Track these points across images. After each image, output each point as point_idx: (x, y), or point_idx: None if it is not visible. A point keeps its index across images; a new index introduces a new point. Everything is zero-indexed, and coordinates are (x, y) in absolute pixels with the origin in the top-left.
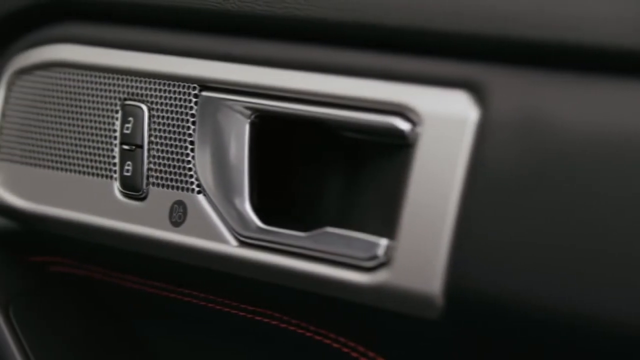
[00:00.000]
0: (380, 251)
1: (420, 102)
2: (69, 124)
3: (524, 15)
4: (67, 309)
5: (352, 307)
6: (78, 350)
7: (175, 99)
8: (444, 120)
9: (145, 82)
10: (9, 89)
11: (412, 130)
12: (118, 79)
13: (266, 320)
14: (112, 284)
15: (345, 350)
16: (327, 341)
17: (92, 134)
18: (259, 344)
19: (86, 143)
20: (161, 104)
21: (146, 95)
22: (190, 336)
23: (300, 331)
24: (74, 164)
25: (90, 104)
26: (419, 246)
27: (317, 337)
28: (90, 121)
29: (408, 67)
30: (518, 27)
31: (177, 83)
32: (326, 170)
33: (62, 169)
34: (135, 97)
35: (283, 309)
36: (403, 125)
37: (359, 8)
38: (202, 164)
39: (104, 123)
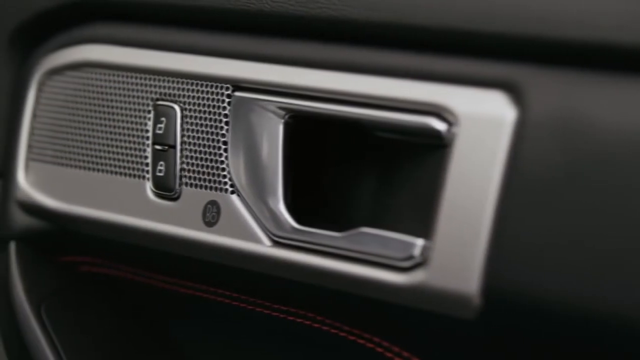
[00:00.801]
0: (417, 251)
1: (457, 103)
2: (101, 124)
3: (561, 15)
4: (98, 308)
5: (387, 307)
6: (109, 350)
7: (208, 99)
8: (480, 121)
9: (177, 82)
10: (39, 90)
11: (449, 130)
12: (150, 79)
13: (299, 320)
14: (143, 284)
15: (379, 350)
16: (361, 341)
17: (123, 134)
18: (292, 344)
19: (118, 143)
20: (194, 104)
21: (178, 96)
22: (221, 337)
23: (333, 331)
24: (106, 164)
25: (122, 104)
26: (455, 246)
27: (351, 337)
28: (122, 121)
29: (444, 68)
30: (555, 26)
31: (209, 83)
32: (358, 171)
33: (93, 169)
34: (168, 98)
35: (317, 308)
36: (439, 125)
37: (394, 8)
38: (235, 164)
39: (136, 123)
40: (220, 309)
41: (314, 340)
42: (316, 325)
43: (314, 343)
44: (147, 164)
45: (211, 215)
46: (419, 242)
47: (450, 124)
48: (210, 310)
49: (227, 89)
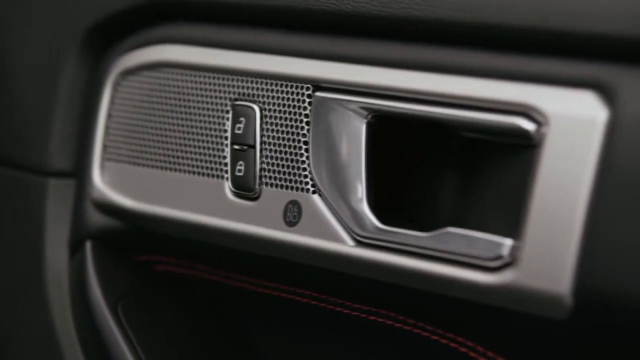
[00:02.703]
0: (505, 251)
1: (546, 103)
2: (177, 124)
3: None
4: (174, 307)
5: (473, 307)
6: (185, 349)
7: (288, 99)
8: (571, 121)
9: (256, 82)
10: (114, 90)
11: (538, 130)
12: (228, 79)
13: (380, 319)
14: (219, 283)
15: (463, 349)
16: (444, 341)
17: (201, 134)
18: (372, 344)
19: (195, 143)
20: (273, 104)
21: (257, 96)
22: (299, 336)
23: (416, 331)
24: (183, 164)
25: (199, 104)
26: (546, 246)
27: (434, 337)
28: (199, 121)
29: (532, 67)
30: None
31: (289, 83)
32: (441, 171)
33: (170, 169)
34: (246, 98)
35: (399, 308)
36: (528, 125)
37: (479, 8)
38: (316, 164)
39: (214, 123)
40: (298, 309)
41: (396, 340)
42: (398, 325)
43: (395, 343)
44: (225, 164)
45: (292, 215)
46: (508, 242)
47: (539, 124)
48: (288, 309)
49: (308, 89)
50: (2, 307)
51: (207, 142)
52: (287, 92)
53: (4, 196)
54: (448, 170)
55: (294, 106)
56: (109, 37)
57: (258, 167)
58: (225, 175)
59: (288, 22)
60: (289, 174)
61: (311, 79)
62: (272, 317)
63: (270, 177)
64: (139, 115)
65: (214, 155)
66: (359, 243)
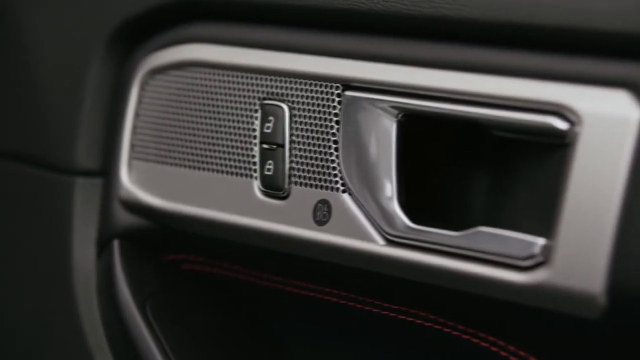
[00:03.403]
0: (538, 250)
1: (579, 102)
2: (205, 123)
3: None
4: (201, 306)
5: (505, 306)
6: (213, 348)
7: (317, 98)
8: (604, 120)
9: (285, 81)
10: (142, 89)
11: (571, 130)
12: (257, 78)
13: (410, 319)
14: (246, 282)
15: (494, 349)
16: (475, 340)
17: (229, 133)
18: (401, 344)
19: (224, 142)
20: (302, 103)
21: (286, 95)
22: (327, 336)
23: (446, 330)
24: (211, 163)
25: (228, 103)
26: (579, 245)
27: (465, 336)
28: (228, 120)
29: (565, 67)
30: None
31: (319, 82)
32: (472, 170)
33: (198, 168)
34: (275, 97)
35: (430, 307)
36: (561, 125)
37: (512, 7)
38: (346, 163)
39: (242, 122)
40: (326, 308)
41: (425, 339)
42: (428, 324)
43: (425, 342)
44: (254, 163)
45: (322, 214)
46: (540, 241)
47: (572, 123)
48: (316, 309)
49: (337, 88)
50: (30, 306)
51: (236, 141)
52: (317, 92)
53: (32, 195)
54: (479, 170)
55: (324, 105)
56: (136, 36)
57: (287, 166)
58: (254, 174)
59: (317, 21)
60: (319, 173)
61: (341, 78)
62: (299, 317)
63: (299, 176)
64: (166, 115)
65: (243, 154)
66: (390, 242)
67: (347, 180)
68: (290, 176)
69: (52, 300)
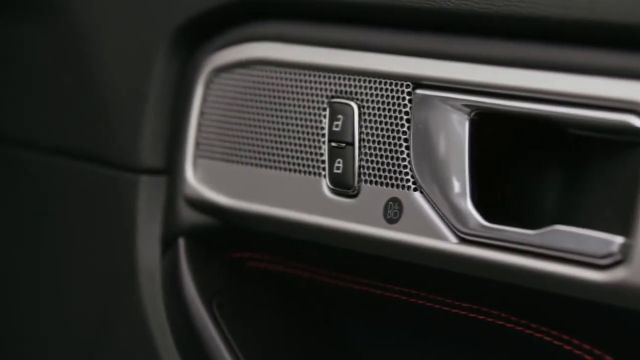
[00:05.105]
0: (616, 248)
1: None
2: (272, 122)
3: None
4: (268, 304)
5: (581, 305)
6: (280, 346)
7: (387, 96)
8: None
9: (354, 80)
10: (207, 87)
11: None
12: (325, 76)
13: (481, 317)
14: (312, 280)
15: (568, 347)
16: (548, 338)
17: (297, 132)
18: (473, 342)
19: (291, 140)
20: (372, 101)
21: (355, 93)
22: (396, 336)
23: (519, 328)
24: (278, 161)
25: (295, 102)
26: None
27: (538, 334)
28: (295, 118)
29: None
30: None
31: (388, 81)
32: (545, 168)
33: (265, 166)
34: (344, 95)
35: (502, 306)
36: (638, 122)
37: (587, 5)
38: (417, 161)
39: (310, 120)
40: (395, 307)
41: (497, 337)
42: (500, 322)
43: (496, 340)
44: (323, 161)
45: (393, 212)
46: (618, 239)
47: None
48: (384, 307)
49: (408, 86)
50: (95, 305)
51: (303, 139)
52: (387, 90)
53: (96, 193)
54: (552, 168)
55: (394, 103)
56: (201, 34)
57: (357, 164)
58: (323, 173)
59: (387, 19)
60: (389, 171)
61: (412, 76)
62: (368, 316)
63: (369, 175)
64: (232, 113)
65: (311, 153)
66: (463, 240)
67: (418, 178)
68: (360, 174)
69: (117, 299)
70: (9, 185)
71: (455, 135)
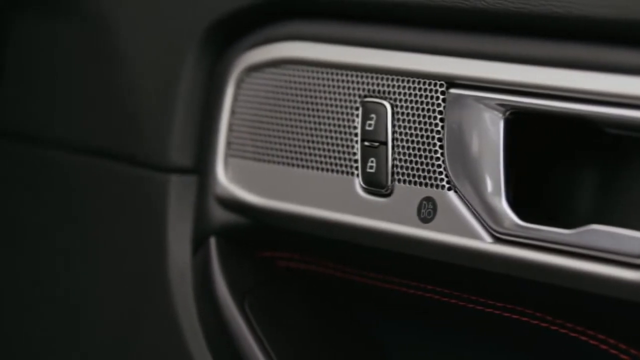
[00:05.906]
0: None
1: None
2: (304, 121)
3: None
4: (299, 303)
5: (618, 305)
6: (311, 345)
7: (421, 95)
8: None
9: (387, 79)
10: (238, 87)
11: None
12: (357, 76)
13: (515, 316)
14: (345, 279)
15: (604, 347)
16: (584, 338)
17: (329, 131)
18: (507, 342)
19: (323, 139)
20: (405, 100)
21: (388, 92)
22: (428, 335)
23: (553, 328)
24: (310, 161)
25: (327, 101)
26: None
27: (573, 334)
28: (327, 118)
29: None
30: None
31: (422, 80)
32: (580, 167)
33: (297, 165)
34: (377, 95)
35: (538, 305)
36: None
37: (623, 4)
38: (452, 160)
39: (343, 120)
40: (428, 306)
41: (531, 337)
42: (535, 322)
43: (531, 340)
44: (355, 161)
45: (427, 212)
46: None
47: None
48: (417, 307)
49: (442, 85)
50: (126, 303)
51: (336, 138)
52: (420, 89)
53: (127, 193)
54: (588, 167)
55: (427, 103)
56: (231, 34)
57: (390, 163)
58: (356, 172)
59: (420, 18)
60: (423, 170)
61: (445, 75)
62: (400, 316)
63: (403, 174)
64: (264, 112)
65: (343, 152)
66: (498, 240)
67: (452, 177)
68: (393, 173)
69: (148, 298)
70: (38, 186)
71: (489, 134)
